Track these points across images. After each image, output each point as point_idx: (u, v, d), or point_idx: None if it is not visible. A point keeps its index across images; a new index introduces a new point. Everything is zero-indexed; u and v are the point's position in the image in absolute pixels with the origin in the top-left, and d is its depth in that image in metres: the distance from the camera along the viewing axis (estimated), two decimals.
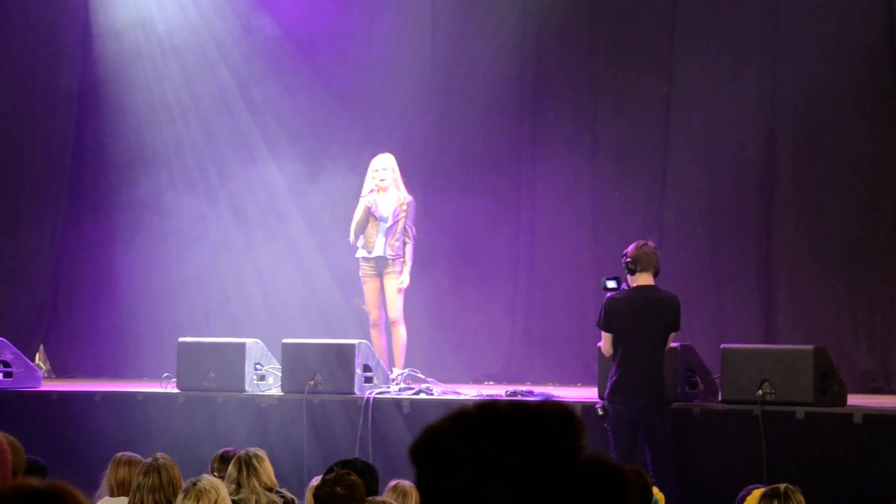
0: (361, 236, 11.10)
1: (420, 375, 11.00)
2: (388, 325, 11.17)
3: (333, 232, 12.90)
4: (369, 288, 11.18)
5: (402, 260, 11.05)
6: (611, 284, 9.23)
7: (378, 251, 11.05)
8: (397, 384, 10.83)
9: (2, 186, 14.38)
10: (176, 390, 11.21)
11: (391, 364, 11.14)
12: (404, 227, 11.05)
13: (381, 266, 11.08)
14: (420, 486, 1.65)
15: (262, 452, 7.47)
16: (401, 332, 11.10)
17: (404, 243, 11.06)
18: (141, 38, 14.01)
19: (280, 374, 11.00)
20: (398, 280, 11.05)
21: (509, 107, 13.37)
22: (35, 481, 2.17)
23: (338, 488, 6.22)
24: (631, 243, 9.29)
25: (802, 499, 6.02)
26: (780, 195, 12.32)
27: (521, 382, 12.33)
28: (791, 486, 6.07)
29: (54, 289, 14.44)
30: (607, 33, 13.09)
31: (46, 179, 14.53)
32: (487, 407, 1.64)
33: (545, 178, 13.14)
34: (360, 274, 11.21)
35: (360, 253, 11.16)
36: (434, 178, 12.77)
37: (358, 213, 11.09)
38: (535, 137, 13.32)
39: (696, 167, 12.53)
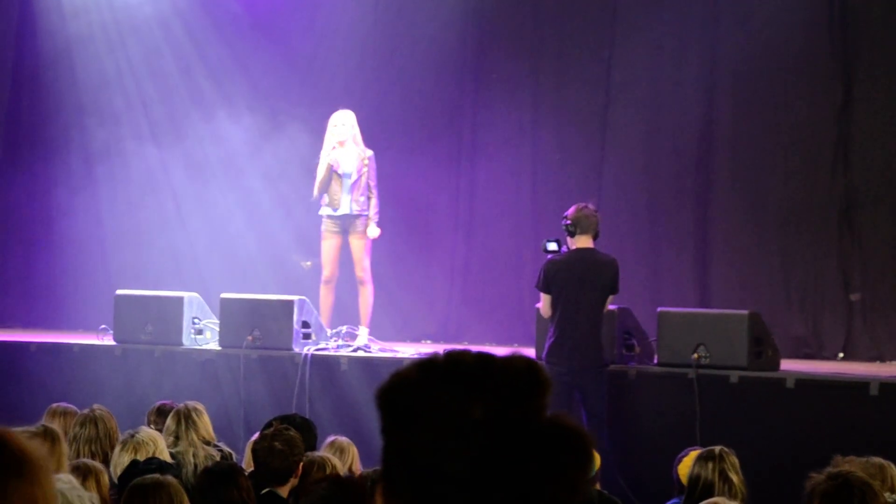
0: (325, 194, 10.91)
1: (358, 333, 10.98)
2: (360, 283, 11.04)
3: (277, 188, 12.86)
4: (329, 245, 10.99)
5: (366, 216, 10.87)
6: (551, 246, 9.22)
7: (344, 208, 10.87)
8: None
9: None
10: (113, 342, 11.13)
11: (346, 323, 11.06)
12: (367, 182, 10.90)
13: (346, 224, 10.91)
14: (383, 431, 1.64)
15: (200, 406, 7.45)
16: (368, 291, 10.98)
17: (368, 198, 10.90)
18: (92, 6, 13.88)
19: (218, 329, 10.94)
20: (366, 236, 10.88)
21: (451, 68, 13.35)
22: None
23: (276, 443, 6.21)
24: (571, 206, 9.29)
25: (736, 461, 6.06)
26: (717, 162, 12.39)
27: (459, 342, 12.34)
28: (725, 449, 6.10)
29: None
30: None
31: None
32: (455, 357, 1.62)
33: (485, 140, 13.15)
34: (322, 229, 10.99)
35: (325, 210, 10.94)
36: (376, 138, 12.68)
37: (321, 171, 10.88)
38: (477, 99, 13.31)
39: (635, 132, 12.58)
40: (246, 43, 13.70)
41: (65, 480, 3.88)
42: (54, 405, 7.48)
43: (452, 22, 13.15)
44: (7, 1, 14.23)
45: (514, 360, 1.63)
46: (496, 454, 1.55)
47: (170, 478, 5.20)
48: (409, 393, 1.61)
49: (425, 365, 1.64)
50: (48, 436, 4.94)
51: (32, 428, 4.99)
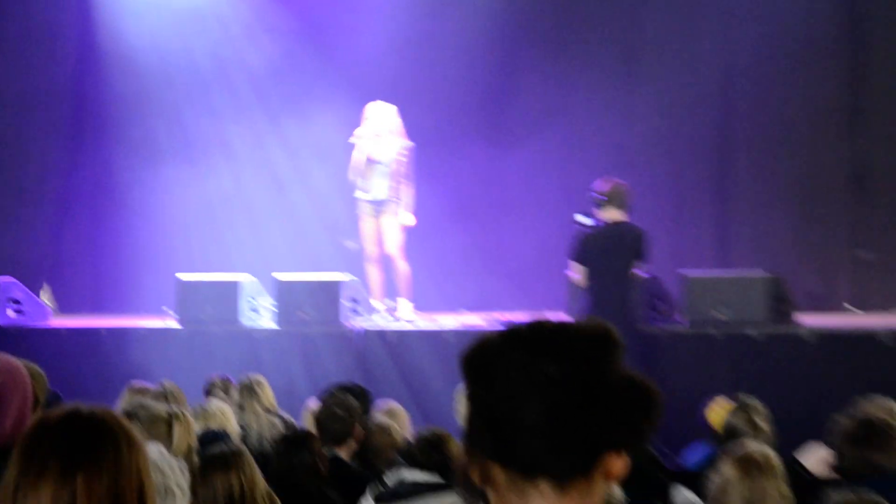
0: (362, 178, 10.95)
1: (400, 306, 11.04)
2: (390, 261, 11.09)
3: (330, 175, 12.94)
4: (366, 226, 11.06)
5: (398, 201, 10.90)
6: (582, 219, 9.22)
7: (376, 193, 10.93)
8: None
9: (4, 134, 14.33)
10: (176, 324, 11.22)
11: (390, 297, 11.13)
12: (400, 170, 10.91)
13: (378, 207, 10.95)
14: (467, 391, 1.67)
15: (262, 378, 7.53)
16: (403, 267, 11.03)
17: (400, 185, 10.92)
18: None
19: (273, 308, 11.01)
20: (399, 220, 10.93)
21: (485, 62, 13.33)
22: (80, 405, 2.20)
23: (337, 409, 6.29)
24: (600, 180, 9.29)
25: (763, 410, 6.08)
26: (734, 135, 12.40)
27: (494, 310, 12.35)
28: (754, 398, 6.13)
29: (57, 229, 14.42)
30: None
31: (46, 127, 14.45)
32: (535, 324, 1.68)
33: (518, 126, 13.16)
34: (358, 212, 11.08)
35: (359, 194, 11.01)
36: (425, 129, 12.62)
37: (355, 158, 10.93)
38: (508, 89, 13.31)
39: (659, 107, 12.57)
40: (293, 44, 13.81)
41: (154, 450, 3.93)
42: (133, 382, 7.54)
43: (485, 20, 13.16)
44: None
45: (588, 325, 1.67)
46: (568, 405, 1.60)
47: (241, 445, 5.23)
48: (492, 354, 1.65)
49: (508, 332, 1.67)
50: (177, 418, 4.99)
51: (163, 413, 5.02)
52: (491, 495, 1.65)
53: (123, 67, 14.10)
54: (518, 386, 1.61)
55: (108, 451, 2.11)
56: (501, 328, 1.69)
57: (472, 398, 1.67)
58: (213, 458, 4.52)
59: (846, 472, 4.29)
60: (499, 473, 1.63)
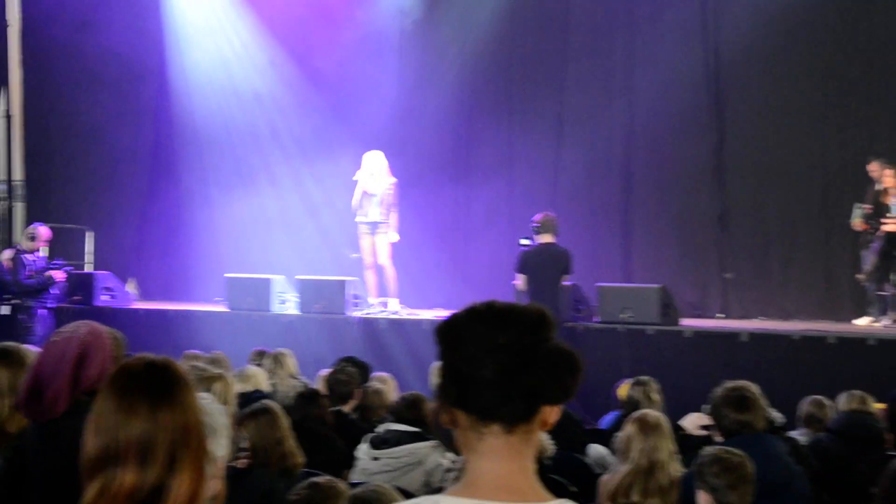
0: (360, 206, 10.94)
1: (389, 302, 10.97)
2: (381, 269, 11.05)
3: (335, 205, 12.89)
4: (364, 242, 11.00)
5: (387, 223, 10.87)
6: (524, 241, 9.22)
7: (371, 217, 10.89)
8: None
9: (102, 169, 14.24)
10: (225, 309, 11.13)
11: (383, 295, 11.06)
12: (388, 200, 10.89)
13: (373, 228, 10.92)
14: (440, 355, 1.63)
15: (287, 351, 7.44)
16: (391, 273, 10.97)
17: (389, 211, 10.91)
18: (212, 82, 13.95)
19: (296, 300, 10.93)
20: (387, 237, 10.88)
21: (451, 120, 13.33)
22: (152, 356, 2.08)
23: (341, 376, 6.22)
24: (537, 213, 9.27)
25: (657, 385, 6.05)
26: (635, 184, 12.41)
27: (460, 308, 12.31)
28: (650, 378, 6.09)
29: (139, 237, 14.38)
30: (518, 66, 13.09)
31: (132, 166, 14.44)
32: (489, 304, 1.64)
33: (476, 168, 13.15)
34: (358, 232, 11.02)
35: (359, 218, 10.97)
36: (409, 168, 12.59)
37: (356, 192, 10.94)
38: (470, 140, 13.29)
39: (579, 164, 12.59)
40: (315, 109, 13.77)
41: (204, 396, 3.79)
42: (187, 351, 7.45)
43: (454, 94, 13.18)
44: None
45: (530, 307, 1.64)
46: (513, 366, 1.57)
47: (274, 403, 5.13)
48: (458, 326, 1.61)
49: (470, 309, 1.63)
50: (218, 379, 4.83)
51: (209, 374, 4.85)
52: (456, 434, 1.62)
53: (189, 125, 14.10)
54: (477, 350, 1.57)
55: (180, 392, 2.01)
56: (466, 307, 1.65)
57: (443, 359, 1.62)
58: (264, 409, 4.36)
59: (724, 429, 4.24)
60: (462, 418, 1.60)
